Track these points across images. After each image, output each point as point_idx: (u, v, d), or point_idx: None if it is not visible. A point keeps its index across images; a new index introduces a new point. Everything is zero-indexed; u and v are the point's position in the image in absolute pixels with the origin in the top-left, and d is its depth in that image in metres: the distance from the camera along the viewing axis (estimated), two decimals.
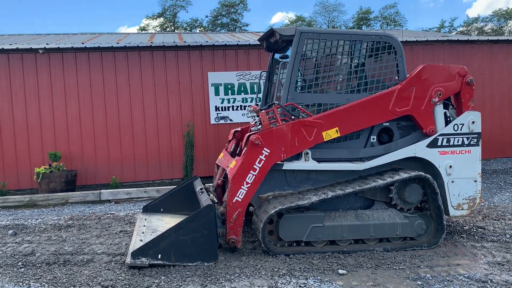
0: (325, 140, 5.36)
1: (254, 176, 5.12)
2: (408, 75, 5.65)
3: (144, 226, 5.81)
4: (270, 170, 5.27)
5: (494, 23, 44.21)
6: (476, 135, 5.60)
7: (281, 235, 5.17)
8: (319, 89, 5.59)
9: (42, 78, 10.67)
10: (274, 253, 5.11)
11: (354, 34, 5.69)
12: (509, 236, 5.74)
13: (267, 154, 5.15)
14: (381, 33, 5.88)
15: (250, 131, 6.06)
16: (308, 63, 5.68)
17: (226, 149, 6.58)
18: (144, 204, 6.75)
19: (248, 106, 6.08)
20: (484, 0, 67.46)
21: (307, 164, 5.36)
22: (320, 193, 5.21)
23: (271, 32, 5.98)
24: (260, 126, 5.30)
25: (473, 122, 5.59)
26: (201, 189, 5.99)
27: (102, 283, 4.42)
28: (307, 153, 5.35)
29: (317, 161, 5.40)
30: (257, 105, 6.64)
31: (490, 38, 13.29)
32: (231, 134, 6.66)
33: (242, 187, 5.10)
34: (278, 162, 5.27)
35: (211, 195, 5.97)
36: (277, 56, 6.58)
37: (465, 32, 42.53)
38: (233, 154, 6.31)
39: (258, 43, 11.84)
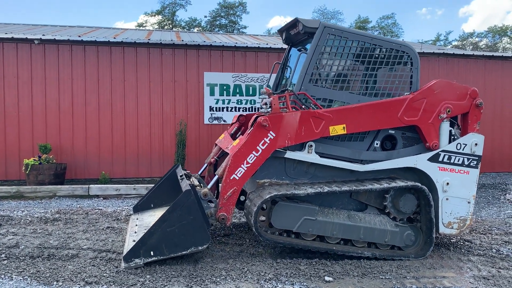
0: (331, 134, 5.34)
1: (255, 157, 5.08)
2: (420, 87, 5.68)
3: (136, 225, 5.75)
4: (271, 157, 5.24)
5: (489, 39, 44.71)
6: (477, 158, 5.64)
7: (273, 222, 5.13)
8: (333, 85, 5.60)
9: (36, 69, 10.57)
10: (265, 239, 5.06)
11: (376, 39, 5.70)
12: (495, 250, 5.78)
13: (272, 137, 5.12)
14: (401, 42, 5.90)
15: (260, 113, 6.06)
16: (326, 58, 5.67)
17: (227, 131, 6.61)
18: (133, 202, 6.70)
19: (263, 88, 6.06)
20: (480, 15, 68.32)
21: (309, 156, 5.34)
22: (317, 186, 5.22)
23: (294, 22, 5.95)
24: (269, 109, 5.29)
25: (476, 144, 5.62)
26: (181, 176, 5.97)
27: (86, 279, 4.37)
28: (311, 146, 5.33)
29: (319, 155, 5.40)
30: None
31: (485, 53, 13.43)
32: (235, 117, 6.70)
33: (242, 165, 5.06)
34: (281, 150, 5.25)
35: (192, 179, 5.95)
36: (293, 50, 6.55)
37: (460, 46, 42.93)
38: (233, 137, 6.33)
39: (256, 45, 11.89)
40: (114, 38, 11.38)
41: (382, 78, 5.72)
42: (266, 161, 5.22)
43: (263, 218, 5.23)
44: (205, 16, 45.75)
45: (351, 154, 5.54)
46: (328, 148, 5.47)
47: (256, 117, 5.40)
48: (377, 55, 5.66)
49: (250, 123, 5.46)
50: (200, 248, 4.78)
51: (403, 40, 31.15)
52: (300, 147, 5.36)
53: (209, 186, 5.44)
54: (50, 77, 10.63)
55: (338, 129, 5.35)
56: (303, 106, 5.35)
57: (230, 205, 5.06)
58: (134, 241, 5.02)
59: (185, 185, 5.36)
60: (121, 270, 4.61)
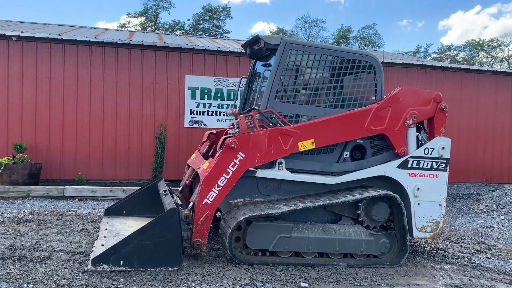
0: (300, 150, 5.38)
1: (226, 180, 5.06)
2: (385, 96, 5.76)
3: (106, 229, 5.65)
4: (243, 176, 5.23)
5: (467, 52, 45.85)
6: (445, 161, 5.74)
7: (248, 243, 5.12)
8: (298, 100, 5.63)
9: (13, 66, 10.35)
10: (239, 261, 5.06)
11: (337, 50, 5.77)
12: (467, 259, 5.90)
13: (241, 158, 5.11)
14: (364, 52, 5.99)
15: (227, 134, 6.03)
16: (290, 74, 5.70)
17: (199, 150, 6.53)
18: (109, 204, 6.60)
19: (228, 109, 6.00)
20: (458, 29, 70.04)
21: (280, 173, 5.36)
22: (291, 203, 5.21)
23: (256, 39, 5.99)
24: (237, 130, 5.26)
25: (443, 148, 5.73)
26: (164, 191, 5.88)
27: (58, 282, 4.27)
28: (281, 163, 5.35)
29: (290, 171, 5.41)
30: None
31: (462, 66, 13.77)
32: (205, 136, 6.61)
33: (213, 189, 5.02)
34: (251, 169, 5.25)
35: (175, 197, 5.87)
36: (258, 64, 6.59)
37: (439, 59, 43.88)
38: (205, 156, 6.26)
39: (238, 50, 11.89)
40: (95, 38, 11.24)
41: (347, 89, 5.78)
42: (238, 181, 5.21)
43: (237, 238, 5.20)
44: (189, 20, 45.61)
45: (321, 167, 5.58)
46: (298, 163, 5.49)
47: (225, 139, 5.37)
48: (340, 67, 5.72)
49: (218, 145, 5.43)
50: (170, 269, 4.71)
51: (367, 49, 31.50)
52: (271, 164, 5.37)
53: (189, 207, 5.38)
54: (28, 75, 10.43)
55: (307, 144, 5.39)
56: (271, 124, 5.36)
57: (204, 230, 5.03)
58: (102, 245, 4.96)
59: (169, 201, 5.31)
60: (88, 270, 4.52)
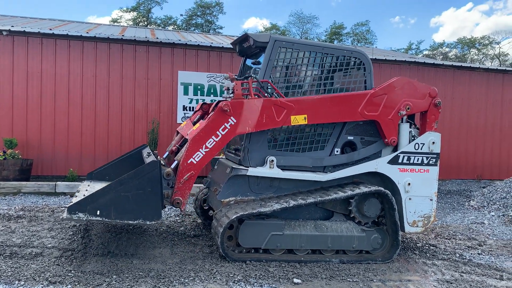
0: (292, 124, 5.35)
1: (214, 142, 5.05)
2: (382, 84, 5.79)
3: (87, 190, 5.49)
4: (234, 175, 5.24)
5: (458, 50, 46.09)
6: (435, 156, 5.78)
7: (240, 241, 5.13)
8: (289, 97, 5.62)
9: (4, 61, 10.22)
10: (232, 259, 5.07)
11: (327, 47, 5.76)
12: (458, 255, 5.95)
13: (232, 123, 5.10)
14: (352, 48, 5.99)
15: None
16: (279, 71, 5.70)
17: (190, 119, 6.52)
18: None
19: (227, 73, 5.92)
20: (450, 26, 70.33)
21: (271, 171, 5.35)
22: (282, 201, 5.22)
23: (245, 37, 5.98)
24: (232, 95, 5.24)
25: (433, 143, 5.77)
26: (148, 153, 5.84)
27: (49, 279, 4.25)
28: (272, 160, 5.35)
29: (281, 169, 5.41)
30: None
31: (454, 63, 13.85)
32: (199, 105, 6.58)
33: (201, 150, 5.02)
34: (242, 168, 5.26)
35: (159, 157, 5.83)
36: (249, 61, 6.58)
37: (431, 56, 44.08)
38: (195, 124, 6.25)
39: (231, 46, 11.85)
40: (87, 32, 11.14)
41: (337, 86, 5.78)
42: (229, 180, 5.24)
43: (229, 236, 5.19)
44: (181, 15, 45.32)
45: (313, 162, 5.59)
46: (289, 160, 5.49)
47: (218, 102, 5.35)
48: (329, 64, 5.72)
49: (211, 108, 5.40)
50: (148, 223, 4.60)
51: (360, 46, 31.46)
52: (262, 162, 5.37)
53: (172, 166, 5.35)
54: (18, 70, 10.31)
55: (299, 119, 5.37)
56: (266, 94, 5.35)
57: (186, 189, 5.03)
58: None
59: (151, 159, 5.24)
60: (64, 218, 4.40)
